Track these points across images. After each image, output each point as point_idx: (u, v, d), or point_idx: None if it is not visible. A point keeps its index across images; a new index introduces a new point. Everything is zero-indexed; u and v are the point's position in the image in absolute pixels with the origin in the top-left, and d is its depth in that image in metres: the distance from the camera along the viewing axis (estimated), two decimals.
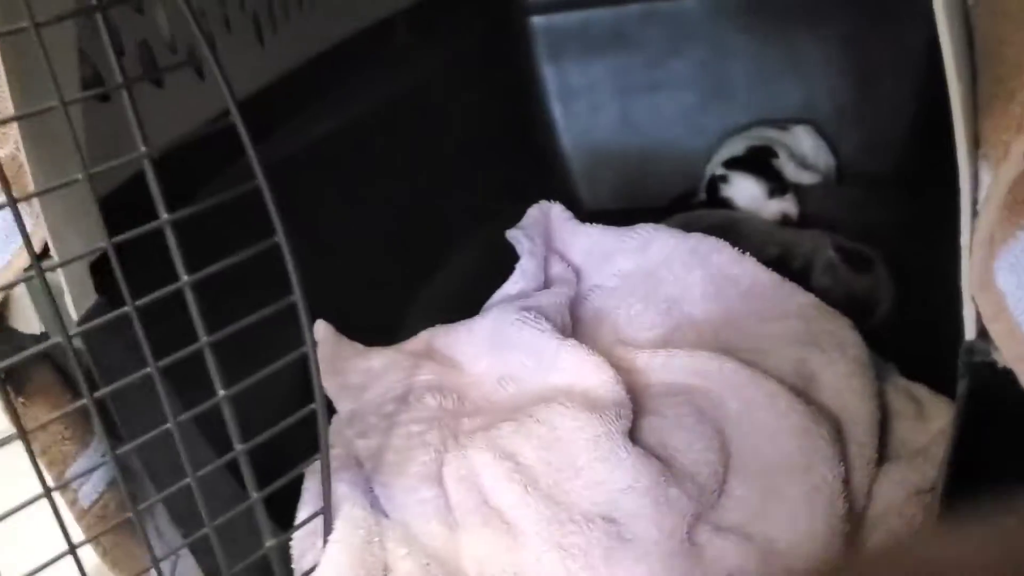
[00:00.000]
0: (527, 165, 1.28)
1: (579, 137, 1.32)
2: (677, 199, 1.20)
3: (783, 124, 1.18)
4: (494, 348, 0.83)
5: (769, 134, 1.16)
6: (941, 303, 0.96)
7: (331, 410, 0.82)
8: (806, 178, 1.11)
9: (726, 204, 1.08)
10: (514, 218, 1.04)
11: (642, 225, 0.91)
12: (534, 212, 0.96)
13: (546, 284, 0.89)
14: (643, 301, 0.87)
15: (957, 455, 0.49)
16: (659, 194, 1.29)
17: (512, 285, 0.87)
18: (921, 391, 0.76)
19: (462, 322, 0.86)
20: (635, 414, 0.74)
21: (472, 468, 0.70)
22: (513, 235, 0.93)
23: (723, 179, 1.09)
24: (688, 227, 0.96)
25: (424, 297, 0.99)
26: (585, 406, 0.73)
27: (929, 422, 0.73)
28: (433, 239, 1.05)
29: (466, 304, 0.93)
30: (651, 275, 0.88)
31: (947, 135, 0.50)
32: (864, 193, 1.07)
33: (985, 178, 0.41)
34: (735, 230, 0.97)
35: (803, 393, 0.72)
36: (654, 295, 0.87)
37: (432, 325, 0.89)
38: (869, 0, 1.12)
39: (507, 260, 0.94)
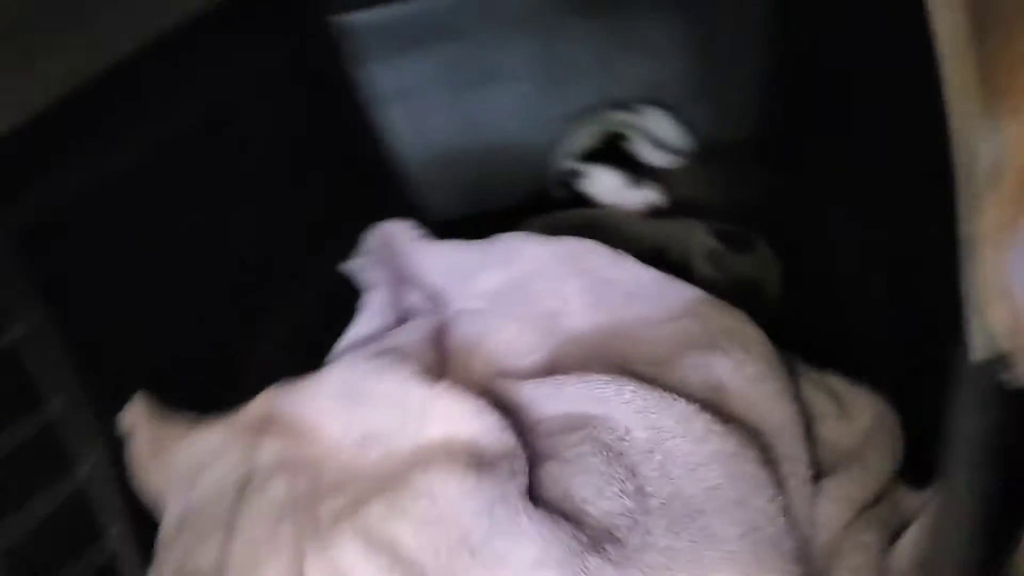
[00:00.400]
0: (358, 181, 1.14)
1: (413, 142, 1.19)
2: (531, 200, 1.09)
3: (631, 106, 1.09)
4: (349, 405, 0.68)
5: (618, 118, 1.07)
6: (829, 274, 0.90)
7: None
8: (663, 161, 1.03)
9: (584, 200, 0.98)
10: (355, 243, 0.90)
11: (505, 235, 0.78)
12: (376, 235, 0.82)
13: (402, 318, 0.76)
14: (517, 322, 0.75)
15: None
16: (506, 194, 1.18)
17: (361, 326, 0.73)
18: (836, 383, 0.68)
19: (307, 378, 0.71)
20: (530, 463, 0.62)
21: (339, 568, 0.56)
22: (353, 267, 0.78)
23: (577, 173, 0.99)
24: (551, 231, 0.86)
25: (260, 351, 0.83)
26: (470, 465, 0.60)
27: (853, 420, 0.65)
28: (261, 280, 0.88)
29: (309, 354, 0.78)
30: (522, 290, 0.76)
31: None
32: (727, 170, 0.99)
33: (991, 143, 0.31)
34: (602, 228, 0.87)
35: (714, 407, 0.62)
36: (528, 313, 0.75)
37: (271, 385, 0.74)
38: None
39: (353, 296, 0.80)
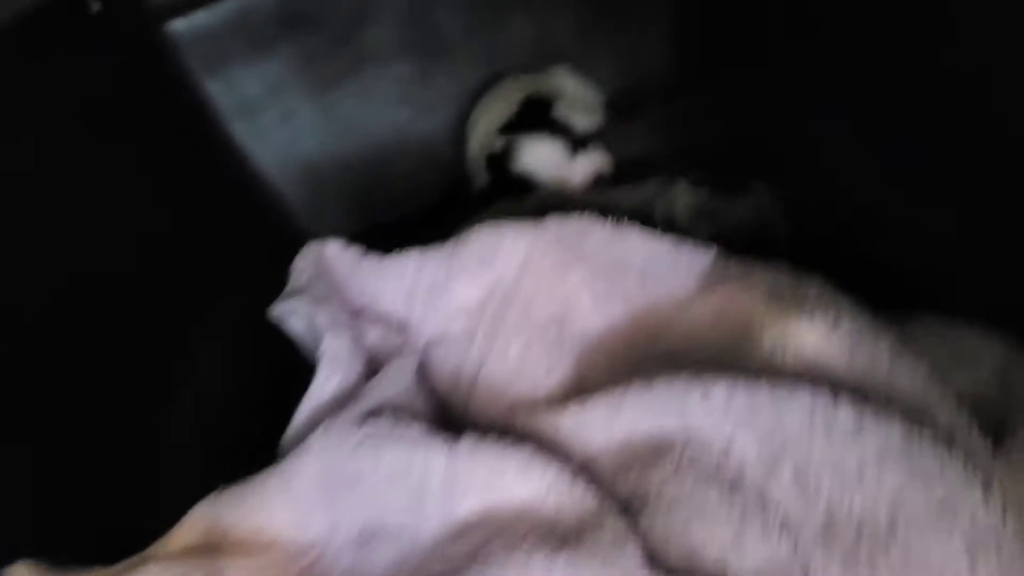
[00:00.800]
0: (226, 212, 0.92)
1: (278, 157, 0.98)
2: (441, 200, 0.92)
3: (535, 69, 0.94)
4: (337, 495, 0.49)
5: (526, 83, 0.91)
6: (839, 197, 0.78)
7: None
8: (590, 122, 0.88)
9: (522, 183, 0.81)
10: (245, 285, 0.69)
11: (470, 232, 0.61)
12: (304, 264, 0.62)
13: (374, 366, 0.56)
14: (518, 336, 0.58)
15: None
16: (406, 198, 0.99)
17: (322, 387, 0.52)
18: (925, 324, 0.56)
19: (261, 477, 0.51)
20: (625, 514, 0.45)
21: None
22: (283, 311, 0.58)
23: (507, 152, 0.82)
24: (501, 213, 0.69)
25: (173, 449, 0.60)
26: (543, 543, 0.43)
27: (971, 364, 0.52)
28: (150, 352, 0.66)
29: (244, 439, 0.57)
30: (510, 297, 0.59)
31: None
32: (666, 117, 0.86)
33: None
34: (567, 207, 0.71)
35: (835, 383, 0.48)
36: (528, 324, 0.58)
37: (205, 495, 0.53)
38: None
39: (284, 350, 0.59)
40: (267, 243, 0.94)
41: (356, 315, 0.59)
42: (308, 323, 0.56)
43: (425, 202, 0.96)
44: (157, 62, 0.91)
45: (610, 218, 0.63)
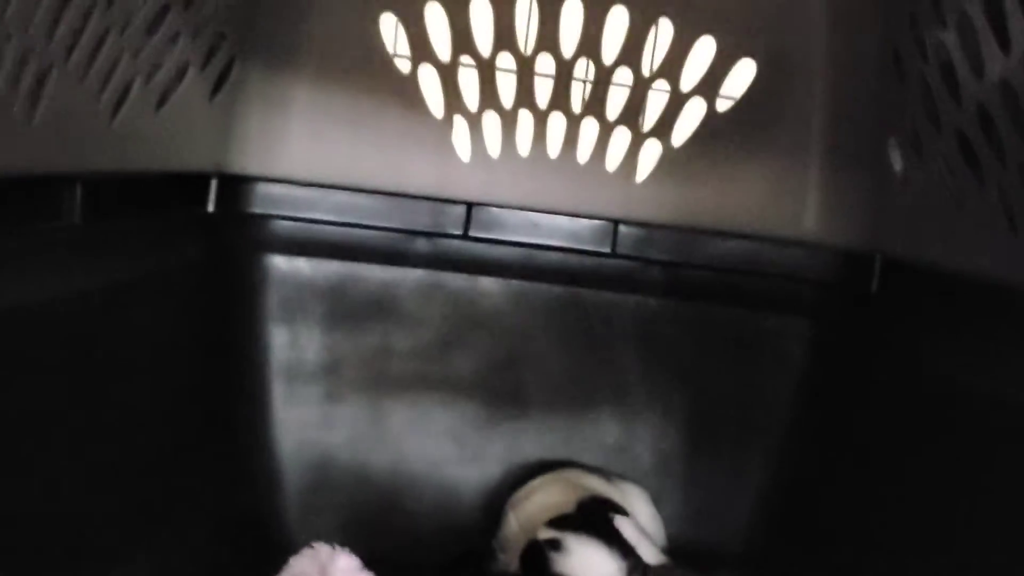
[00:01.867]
0: (209, 471, 0.79)
1: (303, 439, 0.87)
2: (458, 562, 0.78)
3: (606, 475, 0.85)
4: None
5: (592, 483, 0.82)
6: None
7: None
8: (648, 554, 0.77)
9: None
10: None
11: None
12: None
13: None
14: None
15: None
16: (406, 541, 0.86)
17: None
18: None
19: None
20: None
21: None
22: None
23: (554, 545, 0.71)
24: None
25: None
26: None
27: None
28: None
29: None
30: None
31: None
32: None
33: None
34: None
35: None
36: None
37: None
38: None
39: None
40: (240, 533, 0.80)
41: None
42: None
43: (430, 561, 0.83)
44: (231, 288, 0.85)
45: None
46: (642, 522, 0.82)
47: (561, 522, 0.73)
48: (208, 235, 0.81)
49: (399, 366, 0.89)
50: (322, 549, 0.56)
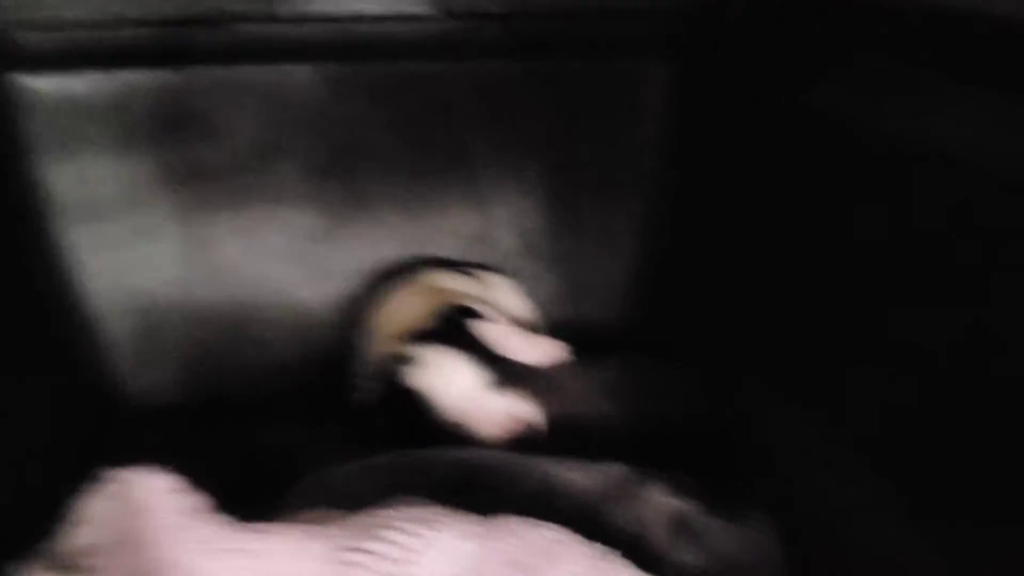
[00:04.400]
0: (22, 345, 0.68)
1: (115, 284, 0.76)
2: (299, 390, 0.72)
3: (465, 269, 0.78)
4: None
5: (451, 283, 0.75)
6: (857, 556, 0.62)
7: None
8: (521, 353, 0.71)
9: (410, 400, 0.63)
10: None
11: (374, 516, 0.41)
12: (98, 506, 0.40)
13: None
14: None
15: None
16: (260, 375, 0.79)
17: None
18: None
19: None
20: None
21: None
22: None
23: (405, 359, 0.64)
24: (397, 484, 0.51)
25: None
26: None
27: None
28: None
29: None
30: None
31: None
32: (616, 377, 0.70)
33: None
34: (487, 481, 0.53)
35: None
36: None
37: None
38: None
39: None
40: (66, 400, 0.71)
41: None
42: None
43: (283, 387, 0.76)
44: None
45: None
46: (512, 312, 0.76)
47: (420, 336, 0.66)
48: None
49: (214, 186, 0.76)
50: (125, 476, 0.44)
